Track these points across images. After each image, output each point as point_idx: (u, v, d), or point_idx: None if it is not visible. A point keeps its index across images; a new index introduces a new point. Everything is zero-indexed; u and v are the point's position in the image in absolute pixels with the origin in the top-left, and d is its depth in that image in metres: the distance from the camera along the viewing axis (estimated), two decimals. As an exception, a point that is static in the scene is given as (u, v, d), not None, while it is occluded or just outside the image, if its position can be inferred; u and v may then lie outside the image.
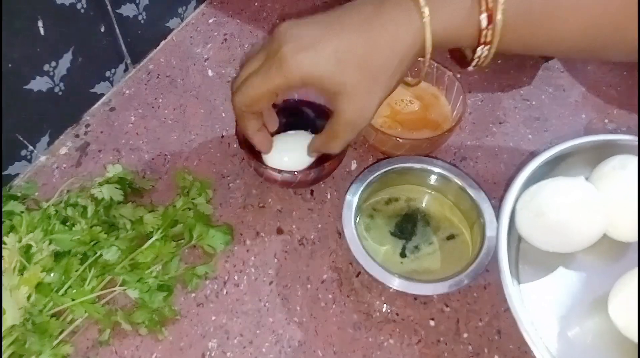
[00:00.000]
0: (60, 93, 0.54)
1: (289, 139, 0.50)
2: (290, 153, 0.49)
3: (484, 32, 0.36)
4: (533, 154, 0.56)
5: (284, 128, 0.51)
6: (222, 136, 0.58)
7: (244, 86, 0.40)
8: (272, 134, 0.49)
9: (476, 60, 0.39)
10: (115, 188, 0.49)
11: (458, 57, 0.43)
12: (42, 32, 0.49)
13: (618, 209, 0.44)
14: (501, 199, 0.47)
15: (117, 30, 0.57)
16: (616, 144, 0.49)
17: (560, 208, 0.44)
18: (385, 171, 0.50)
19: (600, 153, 0.48)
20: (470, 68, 0.40)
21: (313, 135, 0.48)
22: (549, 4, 0.36)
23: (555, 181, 0.46)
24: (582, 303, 0.46)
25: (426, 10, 0.36)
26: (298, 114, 0.54)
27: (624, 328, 0.42)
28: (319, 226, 0.52)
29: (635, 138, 0.48)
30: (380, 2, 0.38)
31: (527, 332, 0.40)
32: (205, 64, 0.64)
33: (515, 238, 0.48)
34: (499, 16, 0.35)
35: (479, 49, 0.38)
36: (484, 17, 0.36)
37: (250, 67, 0.41)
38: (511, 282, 0.42)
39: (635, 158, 0.45)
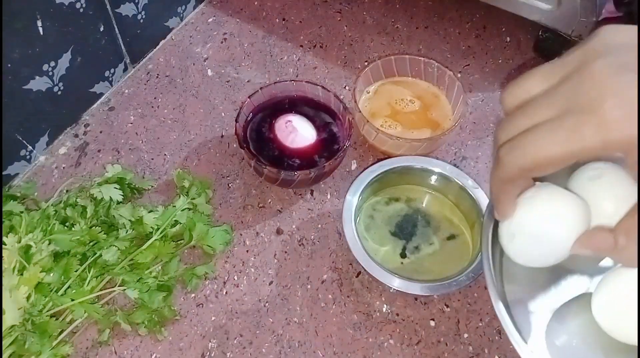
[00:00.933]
0: (59, 93, 0.54)
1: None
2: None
3: None
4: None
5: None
6: (222, 136, 0.58)
7: (526, 144, 0.28)
8: None
9: None
10: (115, 188, 0.49)
11: None
12: (41, 31, 0.49)
13: (601, 217, 0.44)
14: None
15: (117, 30, 0.57)
16: None
17: (532, 224, 0.37)
18: (385, 171, 0.50)
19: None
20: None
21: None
22: None
23: (526, 199, 0.39)
24: (566, 305, 0.45)
25: None
26: (296, 112, 0.53)
27: (609, 329, 0.41)
28: (319, 226, 0.52)
29: None
30: None
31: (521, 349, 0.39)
32: (205, 63, 0.64)
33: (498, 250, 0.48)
34: None
35: None
36: None
37: (540, 108, 0.28)
38: (497, 298, 0.41)
39: (608, 165, 0.44)
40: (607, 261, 0.46)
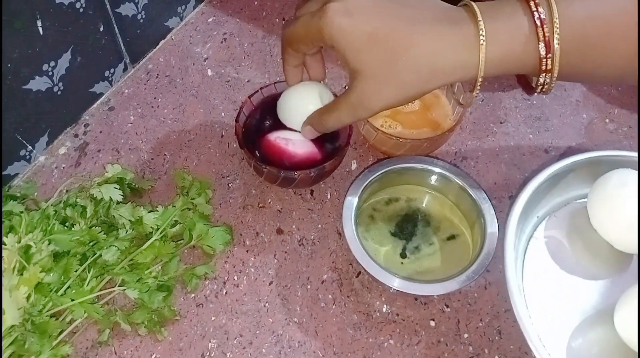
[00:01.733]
0: (59, 93, 0.54)
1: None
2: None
3: (543, 61, 0.37)
4: (533, 155, 0.57)
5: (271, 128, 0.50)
6: (222, 136, 0.58)
7: (292, 22, 0.41)
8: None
9: (540, 87, 0.39)
10: (115, 188, 0.49)
11: (524, 83, 0.43)
12: (41, 31, 0.48)
13: (625, 224, 0.45)
14: (509, 207, 0.46)
15: (116, 30, 0.57)
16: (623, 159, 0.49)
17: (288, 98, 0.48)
18: (385, 171, 0.50)
19: (598, 169, 0.48)
20: (535, 94, 0.40)
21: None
22: (601, 33, 0.36)
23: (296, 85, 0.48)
24: (588, 314, 0.46)
25: (483, 36, 0.36)
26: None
27: (630, 341, 0.42)
28: (319, 226, 0.52)
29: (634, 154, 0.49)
30: (443, 12, 0.38)
31: (534, 345, 0.40)
32: (205, 63, 0.64)
33: (522, 251, 0.48)
34: (556, 45, 0.36)
35: (541, 77, 0.38)
36: (542, 46, 0.36)
37: (311, 7, 0.40)
38: (518, 291, 0.42)
39: (632, 172, 0.46)
40: (630, 276, 0.47)
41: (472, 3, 0.38)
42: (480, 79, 0.38)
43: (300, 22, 0.40)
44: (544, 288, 0.47)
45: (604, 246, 0.47)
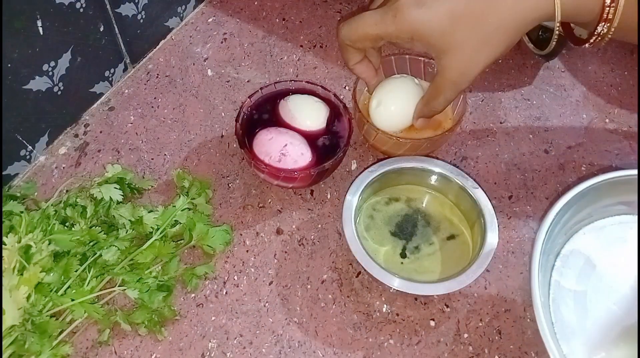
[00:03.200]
0: (59, 93, 0.54)
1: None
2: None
3: (606, 10, 0.37)
4: (533, 155, 0.57)
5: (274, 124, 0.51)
6: (222, 136, 0.58)
7: (355, 21, 0.42)
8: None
9: (595, 37, 0.39)
10: (115, 188, 0.49)
11: (571, 34, 0.43)
12: (41, 31, 0.48)
13: None
14: (540, 221, 0.45)
15: (117, 30, 0.57)
16: None
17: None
18: (385, 171, 0.50)
19: (629, 186, 0.48)
20: (586, 45, 0.41)
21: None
22: None
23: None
24: (613, 330, 0.46)
25: None
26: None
27: None
28: (319, 226, 0.52)
29: None
30: None
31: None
32: (205, 63, 0.64)
33: (549, 267, 0.48)
34: None
35: (599, 26, 0.38)
36: None
37: (372, 7, 0.43)
38: (542, 307, 0.41)
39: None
40: None
41: None
42: (557, 24, 0.38)
43: (368, 21, 0.41)
44: (569, 305, 0.47)
45: (631, 264, 0.47)
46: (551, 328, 0.41)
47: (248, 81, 0.62)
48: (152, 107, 0.60)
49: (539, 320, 0.40)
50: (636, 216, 0.49)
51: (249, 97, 0.52)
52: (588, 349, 0.44)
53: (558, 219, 0.45)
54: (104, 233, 0.46)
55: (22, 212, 0.46)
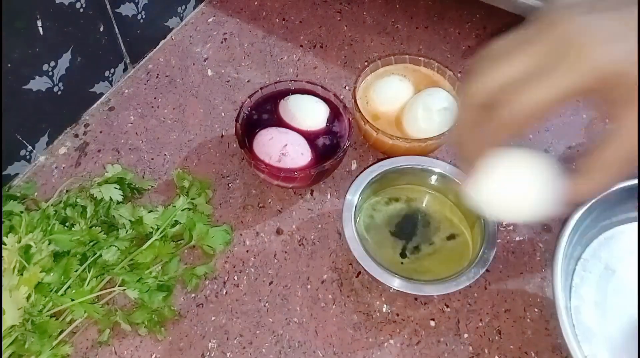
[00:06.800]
0: (59, 93, 0.54)
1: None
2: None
3: None
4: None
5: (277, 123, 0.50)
6: (222, 136, 0.58)
7: (523, 95, 0.30)
8: None
9: None
10: (115, 188, 0.49)
11: None
12: (41, 31, 0.49)
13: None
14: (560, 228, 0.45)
15: (117, 30, 0.57)
16: None
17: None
18: (385, 171, 0.50)
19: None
20: None
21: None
22: None
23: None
24: (632, 335, 0.45)
25: None
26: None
27: None
28: (319, 226, 0.52)
29: None
30: None
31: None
32: (205, 63, 0.64)
33: (570, 272, 0.48)
34: None
35: None
36: None
37: (510, 68, 0.31)
38: (566, 312, 0.41)
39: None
40: None
41: None
42: None
43: (542, 85, 0.29)
44: (590, 308, 0.47)
45: None
46: (573, 331, 0.41)
47: (248, 81, 0.62)
48: (152, 107, 0.60)
49: (562, 323, 0.40)
50: None
51: (249, 97, 0.52)
52: (609, 353, 0.45)
53: (579, 223, 0.45)
54: (104, 233, 0.46)
55: (22, 212, 0.46)
